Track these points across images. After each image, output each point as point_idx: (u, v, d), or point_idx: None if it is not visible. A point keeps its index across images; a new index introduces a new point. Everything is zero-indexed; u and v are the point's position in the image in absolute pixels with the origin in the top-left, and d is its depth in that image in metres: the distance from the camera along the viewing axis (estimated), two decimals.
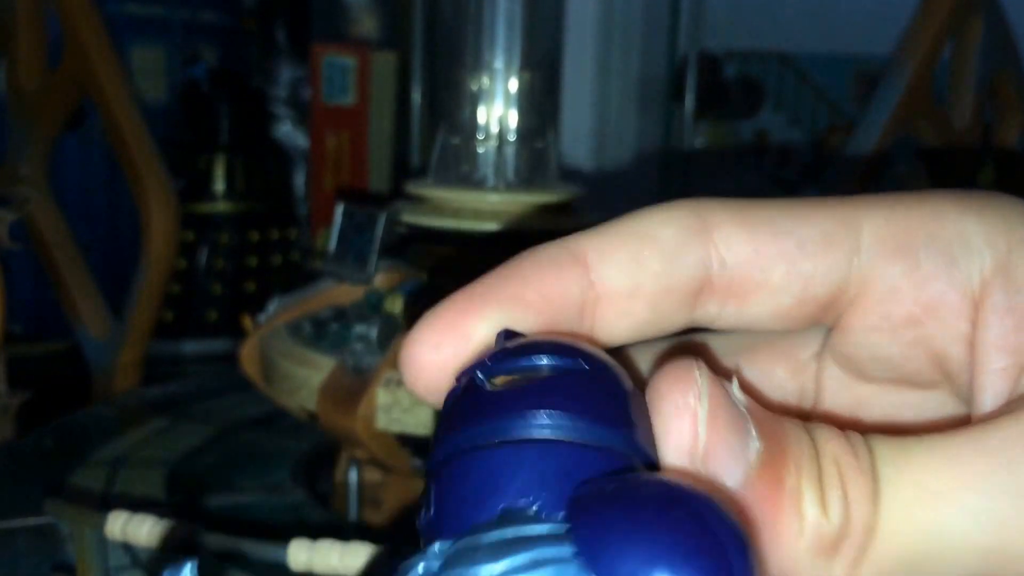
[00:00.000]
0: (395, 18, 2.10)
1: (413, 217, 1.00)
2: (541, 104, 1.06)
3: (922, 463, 0.29)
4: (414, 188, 1.02)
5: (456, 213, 0.99)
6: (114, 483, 0.98)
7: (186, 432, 1.11)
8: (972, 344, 0.31)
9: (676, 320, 0.34)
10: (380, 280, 0.97)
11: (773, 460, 0.28)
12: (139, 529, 0.73)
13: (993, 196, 0.32)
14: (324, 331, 0.95)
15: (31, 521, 0.83)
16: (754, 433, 0.28)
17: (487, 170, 1.03)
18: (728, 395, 0.29)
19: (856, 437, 0.29)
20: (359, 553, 0.69)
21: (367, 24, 2.15)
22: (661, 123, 2.23)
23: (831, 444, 0.29)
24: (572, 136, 1.90)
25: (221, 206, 1.92)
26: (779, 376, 0.37)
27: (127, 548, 0.79)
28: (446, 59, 1.07)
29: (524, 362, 0.29)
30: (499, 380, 0.29)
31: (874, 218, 0.32)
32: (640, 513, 0.25)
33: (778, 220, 0.33)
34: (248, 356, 0.99)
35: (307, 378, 0.90)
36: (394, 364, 0.87)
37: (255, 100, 2.09)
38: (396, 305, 0.92)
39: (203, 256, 1.88)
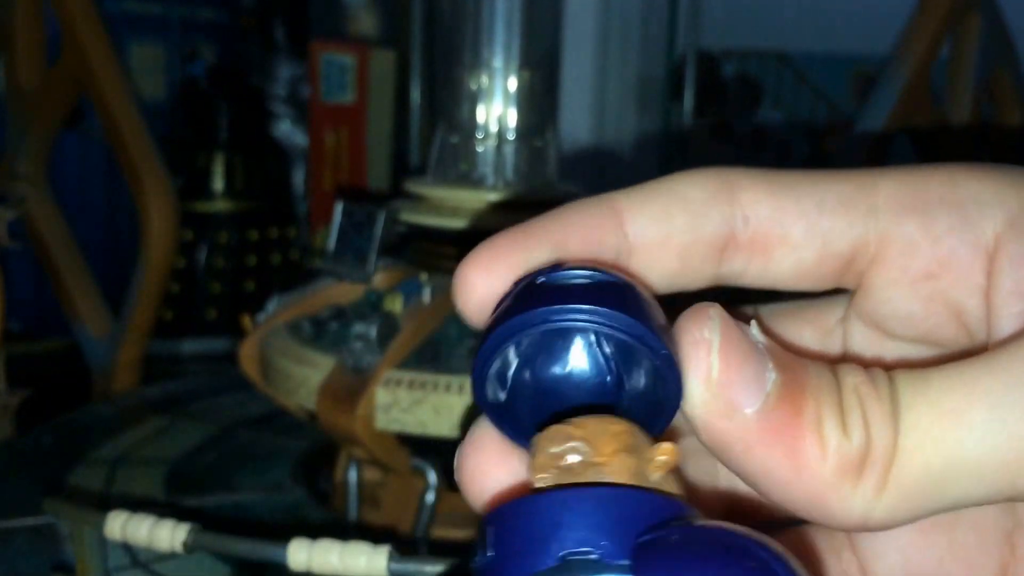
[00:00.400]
0: (394, 16, 2.10)
1: (412, 216, 0.99)
2: (540, 103, 1.05)
3: (939, 385, 0.30)
4: (413, 187, 1.02)
5: (455, 212, 0.98)
6: (113, 482, 0.98)
7: (185, 431, 1.11)
8: (988, 296, 0.33)
9: (704, 272, 0.35)
10: (379, 279, 0.97)
11: (791, 390, 0.30)
12: (139, 529, 0.73)
13: (1004, 166, 0.34)
14: (323, 330, 0.95)
15: (30, 520, 0.83)
16: (770, 365, 0.30)
17: (486, 169, 1.03)
18: (743, 331, 0.30)
19: (877, 370, 0.31)
20: (359, 552, 0.69)
21: (366, 22, 2.15)
22: (660, 121, 2.23)
23: (851, 376, 0.30)
24: (571, 134, 1.90)
25: (220, 204, 1.92)
26: (807, 339, 0.38)
27: (127, 548, 0.78)
28: (445, 57, 1.07)
29: (573, 275, 0.31)
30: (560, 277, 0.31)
31: (890, 182, 0.34)
32: (708, 563, 0.26)
33: (799, 185, 0.34)
34: (247, 355, 0.99)
35: (306, 377, 0.90)
36: (394, 363, 0.87)
37: (254, 98, 2.09)
38: (395, 304, 0.92)
39: (202, 255, 1.88)
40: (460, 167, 1.04)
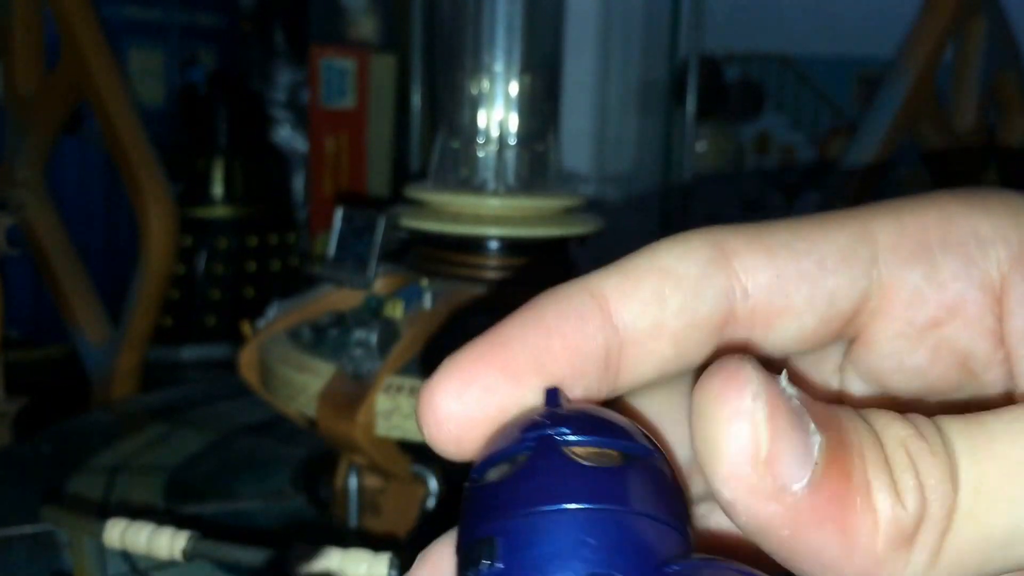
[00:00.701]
0: (394, 20, 2.10)
1: (413, 221, 1.00)
2: (541, 107, 1.05)
3: (1003, 434, 0.27)
4: (414, 192, 1.02)
5: (456, 217, 0.98)
6: (112, 490, 0.98)
7: (185, 438, 1.11)
8: (999, 337, 0.31)
9: (701, 353, 0.32)
10: (380, 285, 0.97)
11: (836, 454, 0.27)
12: (138, 536, 0.73)
13: (995, 192, 0.32)
14: (323, 336, 0.95)
15: (28, 529, 0.83)
16: (813, 427, 0.27)
17: (487, 174, 1.03)
18: (783, 391, 0.27)
19: (920, 418, 0.28)
20: (359, 560, 0.69)
21: (366, 26, 2.15)
22: (662, 126, 2.23)
23: (894, 427, 0.28)
24: (573, 140, 1.90)
25: (219, 210, 1.92)
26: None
27: (125, 556, 0.79)
28: (446, 62, 1.07)
29: (598, 440, 0.28)
30: (579, 451, 0.28)
31: (887, 226, 0.32)
32: None
33: (794, 242, 0.32)
34: (247, 362, 0.99)
35: (306, 384, 0.90)
36: (394, 369, 0.87)
37: (253, 103, 2.09)
38: (396, 310, 0.92)
39: (202, 261, 1.88)
40: (461, 172, 1.04)
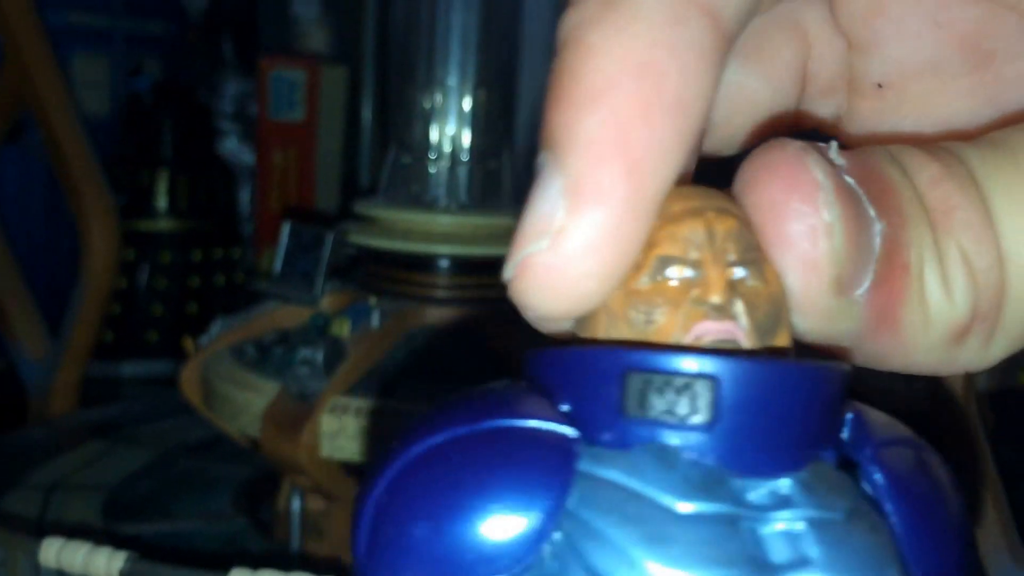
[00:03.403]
0: (346, 32, 2.10)
1: (362, 238, 1.00)
2: (496, 123, 1.06)
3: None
4: (363, 208, 1.02)
5: (406, 234, 0.99)
6: (49, 508, 0.97)
7: (124, 457, 1.11)
8: None
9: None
10: (326, 302, 0.97)
11: (893, 245, 0.24)
12: (74, 556, 0.73)
13: None
14: (268, 355, 0.95)
15: None
16: (873, 213, 0.24)
17: (439, 191, 1.03)
18: (848, 189, 0.24)
19: (955, 168, 0.25)
20: None
21: (317, 38, 2.15)
22: None
23: (938, 191, 0.25)
24: (528, 156, 1.90)
25: (163, 224, 1.91)
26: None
27: None
28: (398, 75, 1.07)
29: None
30: None
31: None
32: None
33: None
34: (189, 379, 0.99)
35: (249, 403, 0.90)
36: (340, 389, 0.87)
37: (200, 114, 2.08)
38: (343, 328, 0.92)
39: (144, 275, 1.87)
40: (412, 188, 1.04)
